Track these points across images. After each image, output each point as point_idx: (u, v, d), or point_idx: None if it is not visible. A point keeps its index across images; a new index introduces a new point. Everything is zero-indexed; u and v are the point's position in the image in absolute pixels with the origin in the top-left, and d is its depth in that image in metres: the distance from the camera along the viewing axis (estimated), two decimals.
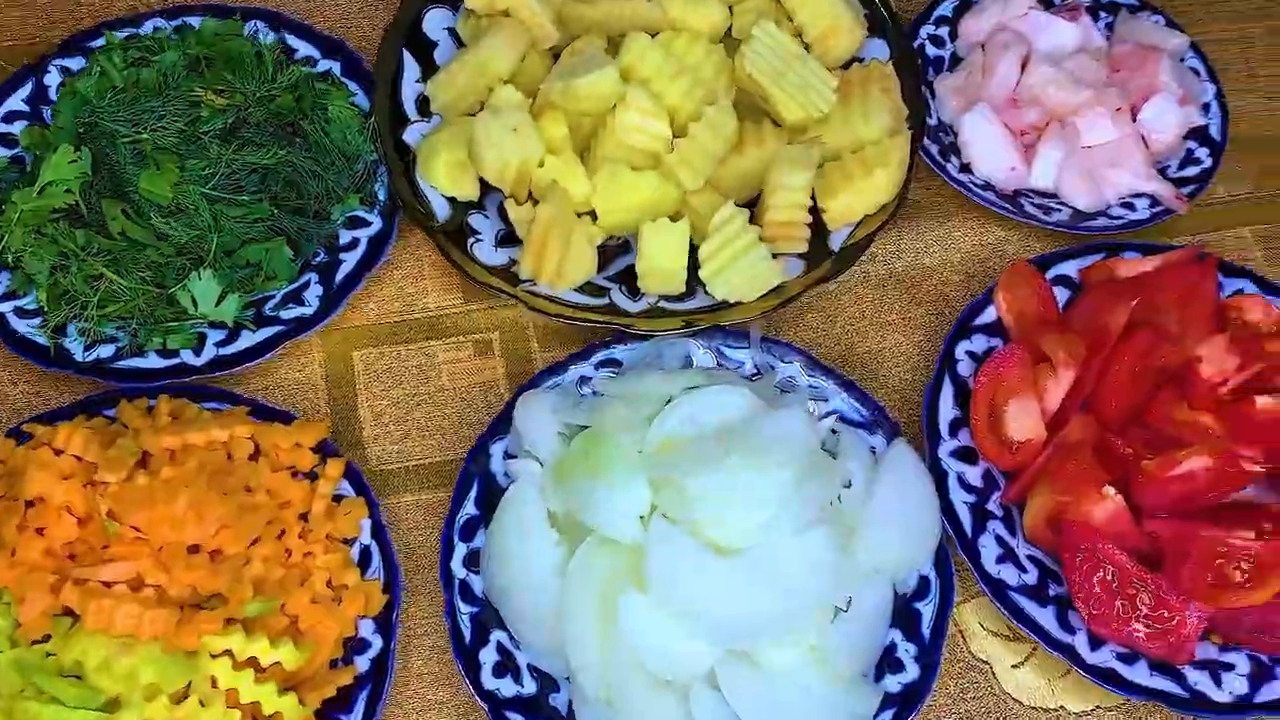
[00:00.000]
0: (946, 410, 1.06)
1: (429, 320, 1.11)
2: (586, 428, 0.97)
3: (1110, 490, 0.95)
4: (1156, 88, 1.19)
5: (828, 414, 1.04)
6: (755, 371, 1.06)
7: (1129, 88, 1.20)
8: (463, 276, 1.04)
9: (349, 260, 1.06)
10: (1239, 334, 1.03)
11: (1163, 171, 1.20)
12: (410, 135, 1.10)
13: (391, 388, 1.07)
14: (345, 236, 1.07)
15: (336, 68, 1.17)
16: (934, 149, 1.20)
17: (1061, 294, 1.13)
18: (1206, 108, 1.23)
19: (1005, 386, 1.04)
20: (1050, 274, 1.13)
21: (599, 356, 1.04)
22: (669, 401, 0.97)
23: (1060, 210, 1.18)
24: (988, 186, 1.19)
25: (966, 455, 1.04)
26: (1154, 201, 1.18)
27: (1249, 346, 1.01)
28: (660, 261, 1.04)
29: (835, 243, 1.11)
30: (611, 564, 0.91)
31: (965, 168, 1.20)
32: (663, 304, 1.06)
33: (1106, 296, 1.08)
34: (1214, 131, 1.21)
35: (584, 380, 1.04)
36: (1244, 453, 0.97)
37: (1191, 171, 1.19)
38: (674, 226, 1.04)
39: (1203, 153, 1.20)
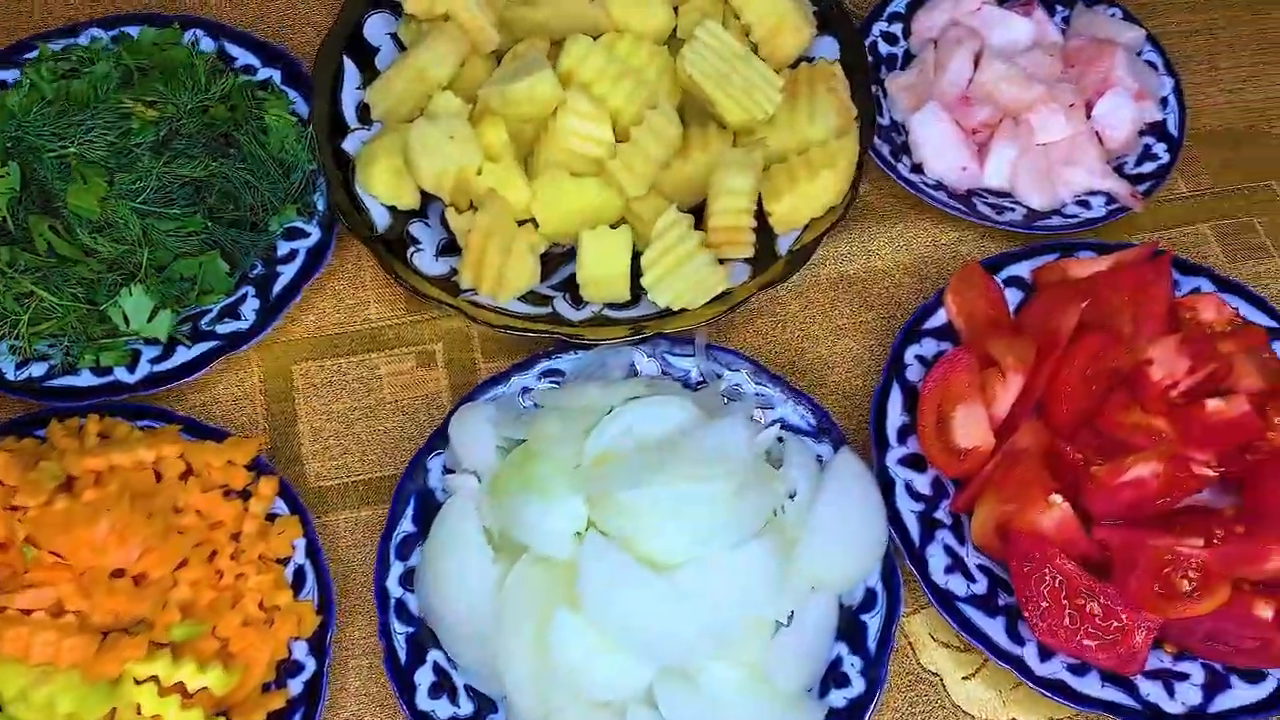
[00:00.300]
0: (895, 416, 1.04)
1: (370, 332, 1.09)
2: (525, 441, 0.95)
3: (1057, 498, 0.93)
4: (1111, 83, 1.16)
5: (774, 422, 1.02)
6: (700, 380, 1.04)
7: (1083, 83, 1.18)
8: (403, 287, 1.02)
9: (286, 272, 1.04)
10: (1191, 334, 1.00)
11: (1120, 168, 1.18)
12: (350, 143, 1.09)
13: (331, 402, 1.06)
14: (284, 248, 1.06)
15: (277, 76, 1.15)
16: (885, 149, 1.17)
17: (1015, 296, 1.10)
18: (1165, 102, 1.20)
19: (953, 392, 1.01)
20: (1002, 275, 1.11)
21: (541, 367, 1.02)
22: (609, 413, 0.94)
23: (1014, 210, 1.16)
24: (940, 187, 1.17)
25: (915, 463, 1.02)
26: (1110, 199, 1.15)
27: (1201, 347, 0.98)
28: (600, 270, 1.02)
29: (783, 247, 1.09)
30: (547, 582, 0.89)
31: (917, 168, 1.18)
32: (606, 312, 1.05)
33: (1058, 298, 1.06)
34: (1171, 126, 1.19)
35: (526, 391, 1.01)
36: (1196, 456, 0.95)
37: (1149, 168, 1.17)
38: (614, 234, 1.02)
39: (1160, 148, 1.17)
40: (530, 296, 1.04)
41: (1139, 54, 1.23)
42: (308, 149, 1.07)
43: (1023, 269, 1.11)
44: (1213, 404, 0.94)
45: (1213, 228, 1.18)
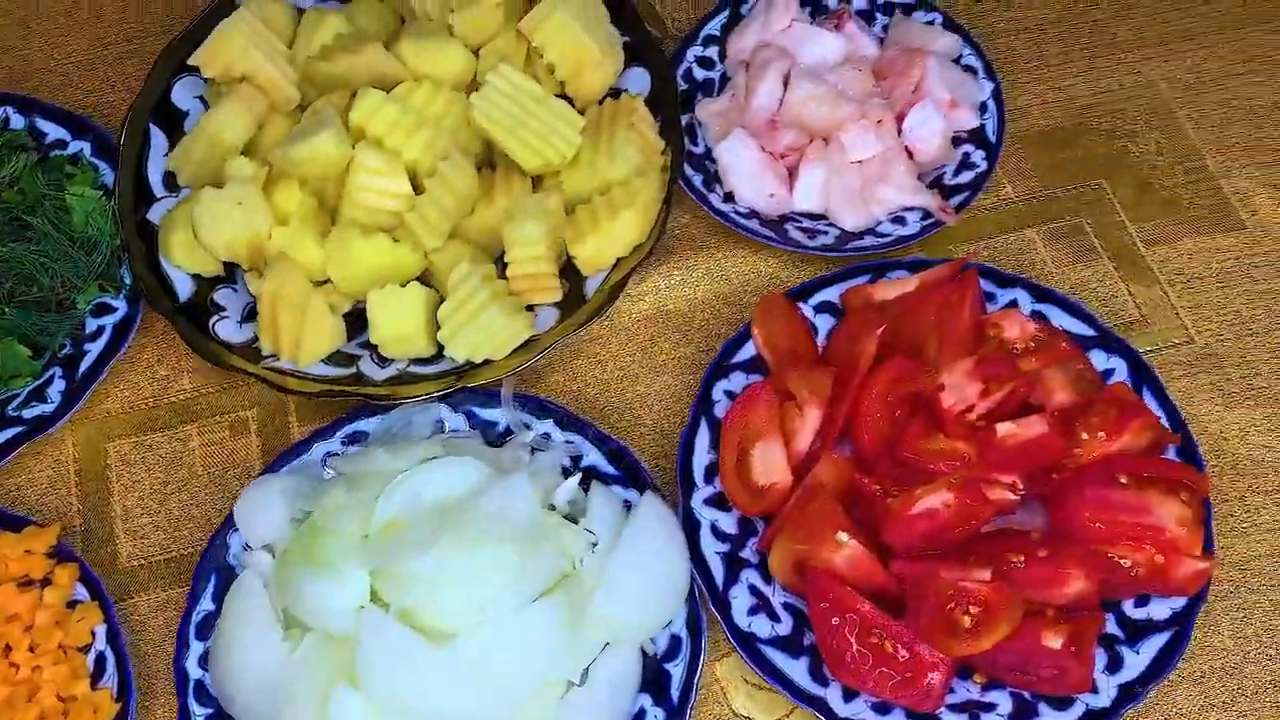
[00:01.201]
0: (702, 455, 1.03)
1: (183, 403, 1.08)
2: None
3: (843, 536, 0.92)
4: (921, 94, 1.14)
5: (582, 470, 1.00)
6: (508, 431, 1.03)
7: (894, 96, 1.16)
8: (204, 358, 1.01)
9: (93, 350, 1.04)
10: (989, 354, 0.97)
11: (939, 179, 1.15)
12: (156, 213, 1.08)
13: (144, 478, 1.05)
14: (92, 325, 1.05)
15: (87, 148, 1.14)
16: (698, 179, 1.16)
17: (829, 322, 1.08)
18: (984, 108, 1.17)
19: (752, 428, 1.00)
20: (814, 301, 1.09)
21: (345, 431, 1.01)
22: (398, 479, 0.93)
23: (827, 233, 1.14)
24: (753, 214, 1.15)
25: (720, 502, 1.01)
26: (926, 214, 1.13)
27: (997, 368, 0.96)
28: (393, 329, 1.02)
29: (591, 288, 1.08)
30: (329, 659, 0.88)
31: (729, 196, 1.16)
32: (412, 369, 1.03)
33: (859, 324, 1.04)
34: (990, 133, 1.16)
35: (332, 456, 1.00)
36: (1001, 479, 0.92)
37: (967, 177, 1.14)
38: (402, 292, 1.01)
39: (979, 156, 1.15)
40: (336, 357, 1.03)
41: (957, 59, 1.20)
42: (112, 222, 1.06)
43: (833, 294, 1.09)
44: (1004, 428, 0.91)
45: (1040, 232, 1.15)
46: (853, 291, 1.07)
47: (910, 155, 1.14)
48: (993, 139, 1.15)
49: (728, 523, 1.00)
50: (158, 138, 1.10)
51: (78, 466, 1.05)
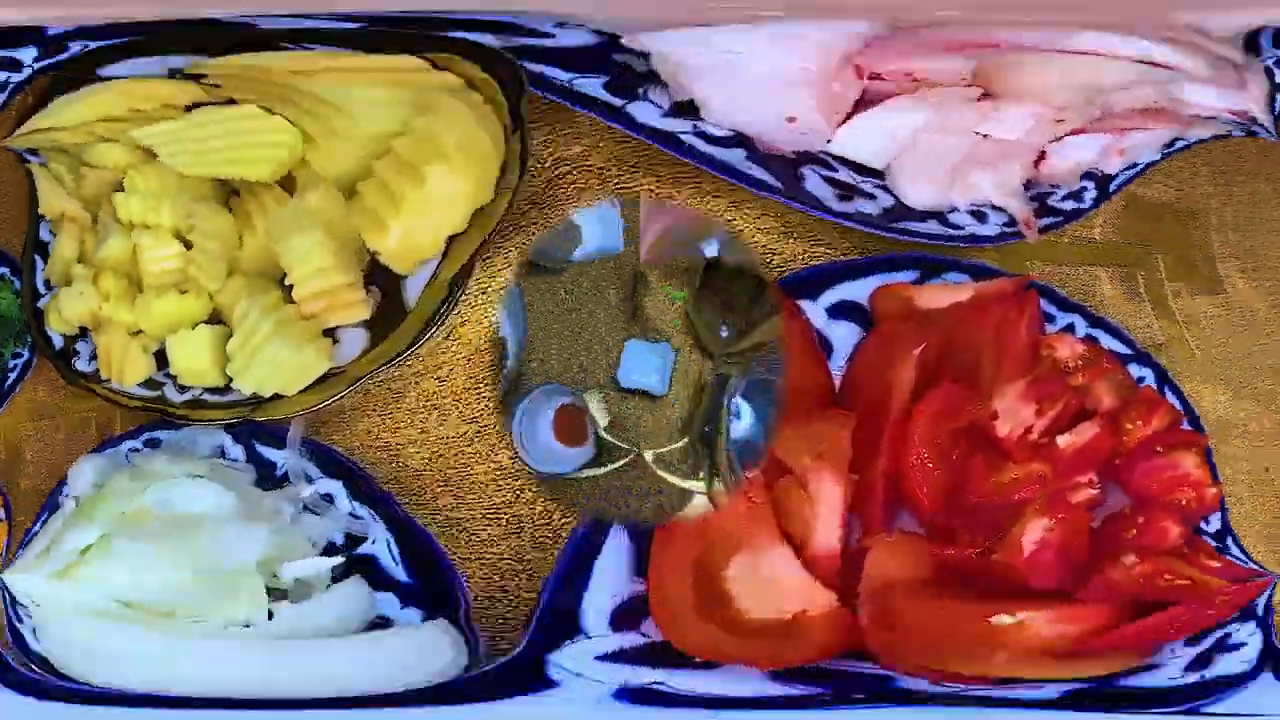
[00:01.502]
0: (611, 579, 0.70)
1: (56, 406, 1.14)
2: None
3: (1004, 618, 0.71)
4: (1115, 133, 0.88)
5: (355, 557, 0.84)
6: (286, 478, 0.89)
7: (1100, 120, 0.86)
8: (67, 382, 1.09)
9: (10, 378, 1.22)
10: (1042, 374, 0.84)
11: (1045, 196, 0.86)
12: (43, 303, 1.19)
13: (39, 447, 1.12)
14: (12, 364, 1.23)
15: (8, 270, 1.26)
16: (594, 83, 0.75)
17: (854, 333, 0.75)
18: (1135, 164, 0.92)
19: (721, 532, 0.70)
20: (826, 300, 0.75)
21: (146, 436, 1.06)
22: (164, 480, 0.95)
23: (874, 198, 0.77)
24: (735, 140, 0.74)
25: (655, 655, 0.67)
26: (1010, 220, 0.82)
27: (1049, 387, 0.83)
28: (187, 365, 1.01)
29: (412, 292, 0.84)
30: None
31: (682, 109, 0.75)
32: (205, 396, 1.03)
33: (892, 340, 0.75)
34: (1114, 185, 0.90)
35: (135, 452, 1.06)
36: (1078, 479, 0.82)
37: (1069, 206, 0.88)
38: (191, 335, 0.99)
39: (1090, 195, 0.90)
40: (149, 382, 1.06)
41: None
42: (20, 310, 1.23)
43: (860, 290, 0.73)
44: (1064, 440, 0.83)
45: (1108, 272, 0.98)
46: (889, 292, 0.75)
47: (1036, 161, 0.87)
48: (1111, 190, 0.89)
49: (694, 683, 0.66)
50: (40, 261, 1.24)
51: (4, 445, 1.18)
